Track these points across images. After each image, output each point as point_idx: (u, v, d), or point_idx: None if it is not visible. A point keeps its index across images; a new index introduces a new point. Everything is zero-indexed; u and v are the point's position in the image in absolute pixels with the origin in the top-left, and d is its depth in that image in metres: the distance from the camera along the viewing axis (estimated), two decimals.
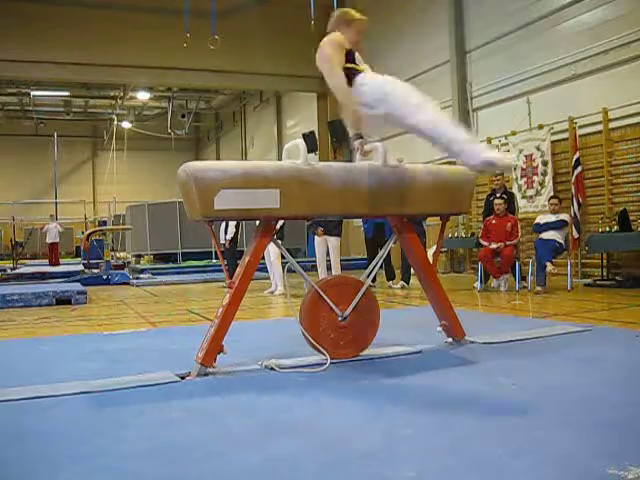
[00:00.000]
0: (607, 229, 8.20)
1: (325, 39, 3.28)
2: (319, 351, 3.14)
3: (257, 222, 3.23)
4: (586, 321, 4.65)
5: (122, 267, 13.37)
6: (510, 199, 8.11)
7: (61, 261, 17.69)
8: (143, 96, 23.78)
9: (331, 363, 3.04)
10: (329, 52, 3.21)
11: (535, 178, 9.82)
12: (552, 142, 9.57)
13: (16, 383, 2.86)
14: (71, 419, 2.33)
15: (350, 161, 3.37)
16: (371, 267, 3.46)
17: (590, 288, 7.89)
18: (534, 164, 9.82)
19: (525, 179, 10.01)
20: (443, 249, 11.24)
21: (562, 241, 7.54)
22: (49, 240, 17.16)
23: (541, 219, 7.94)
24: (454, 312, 3.52)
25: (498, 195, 8.09)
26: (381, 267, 7.72)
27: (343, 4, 15.09)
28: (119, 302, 7.95)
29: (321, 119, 17.04)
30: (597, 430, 2.00)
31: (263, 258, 7.91)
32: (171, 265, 14.76)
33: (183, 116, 25.15)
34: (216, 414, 2.34)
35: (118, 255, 15.78)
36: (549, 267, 7.21)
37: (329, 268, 8.29)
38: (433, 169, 3.43)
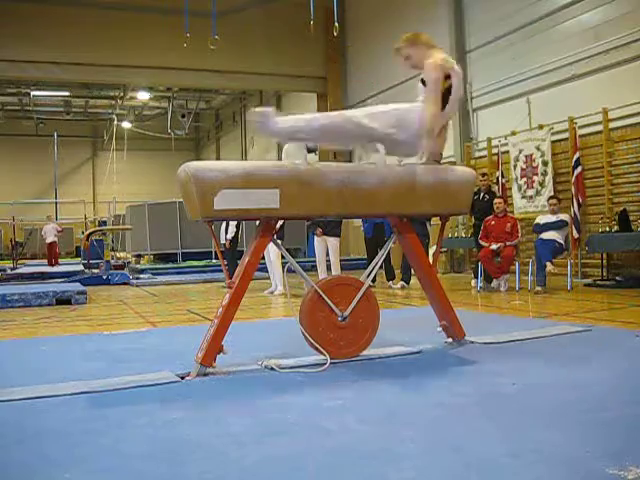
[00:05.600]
0: (607, 229, 8.20)
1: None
2: (319, 351, 3.14)
3: (257, 222, 3.23)
4: (586, 321, 4.65)
5: (122, 267, 13.37)
6: (491, 198, 8.23)
7: (61, 261, 17.67)
8: (143, 96, 23.79)
9: (331, 363, 3.05)
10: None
11: (535, 178, 9.82)
12: (552, 142, 9.57)
13: (16, 383, 2.86)
14: (71, 419, 2.33)
15: (350, 161, 3.37)
16: (371, 267, 3.46)
17: (590, 288, 7.89)
18: (534, 164, 9.82)
19: (525, 179, 10.02)
20: (443, 249, 11.24)
21: (562, 241, 7.54)
22: (47, 240, 17.14)
23: (541, 219, 7.94)
24: (454, 312, 3.52)
25: (481, 194, 8.34)
26: (381, 267, 7.72)
27: (343, 5, 15.14)
28: (119, 302, 7.95)
29: None
30: (597, 430, 2.00)
31: (263, 258, 7.91)
32: (171, 265, 14.75)
33: (183, 116, 25.15)
34: (216, 414, 2.34)
35: (118, 255, 15.78)
36: (549, 267, 7.21)
37: (329, 268, 8.29)
38: (432, 169, 3.43)
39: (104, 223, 17.99)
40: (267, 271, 8.57)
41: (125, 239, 18.08)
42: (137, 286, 10.78)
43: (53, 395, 2.64)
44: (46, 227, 17.37)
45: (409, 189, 3.26)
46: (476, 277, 8.31)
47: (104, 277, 11.25)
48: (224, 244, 9.27)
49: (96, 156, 30.23)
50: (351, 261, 12.80)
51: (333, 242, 8.27)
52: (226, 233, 9.35)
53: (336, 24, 9.80)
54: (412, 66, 3.43)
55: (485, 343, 3.54)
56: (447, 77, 3.29)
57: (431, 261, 3.61)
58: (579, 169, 8.90)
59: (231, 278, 3.09)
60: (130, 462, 1.85)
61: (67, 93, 23.73)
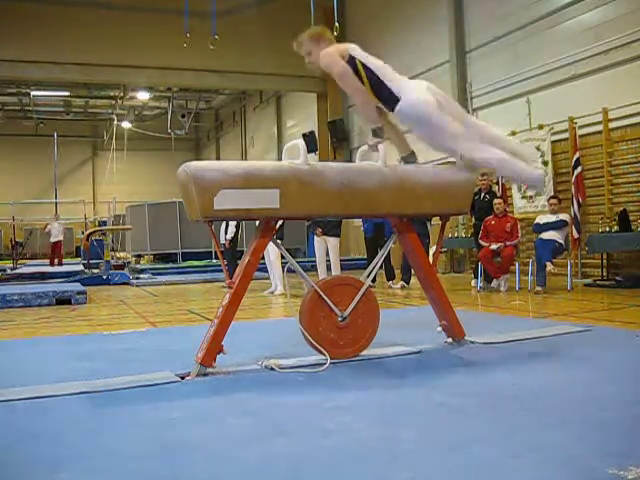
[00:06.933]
0: (607, 229, 8.20)
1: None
2: (319, 351, 3.13)
3: (257, 222, 3.23)
4: (586, 321, 4.65)
5: (122, 267, 13.37)
6: (492, 198, 8.26)
7: (63, 261, 17.56)
8: (143, 96, 23.78)
9: (331, 363, 3.04)
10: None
11: None
12: (552, 142, 9.57)
13: (16, 383, 2.86)
14: (71, 419, 2.33)
15: (350, 161, 3.37)
16: (371, 267, 3.45)
17: (590, 288, 7.89)
18: None
19: None
20: (443, 249, 11.24)
21: (562, 241, 7.54)
22: (53, 239, 16.96)
23: (541, 219, 7.94)
24: (454, 312, 3.52)
25: (482, 194, 8.37)
26: (381, 267, 7.72)
27: (343, 6, 15.14)
28: (119, 302, 7.95)
29: (321, 119, 17.04)
30: (597, 430, 2.00)
31: (263, 258, 7.91)
32: (171, 265, 14.76)
33: (183, 116, 25.13)
34: (216, 414, 2.34)
35: (118, 255, 15.77)
36: (549, 267, 7.21)
37: (329, 268, 8.29)
38: (433, 169, 3.44)
39: (104, 223, 17.97)
40: (267, 271, 8.58)
41: (125, 239, 18.08)
42: (137, 286, 10.78)
43: (52, 395, 2.63)
44: (52, 225, 17.14)
45: (409, 189, 3.26)
46: (476, 277, 8.31)
47: (104, 277, 11.25)
48: (224, 244, 9.27)
49: (96, 156, 30.23)
50: (351, 261, 12.80)
51: (333, 242, 8.27)
52: (226, 233, 9.35)
53: (336, 24, 9.80)
54: (312, 62, 3.38)
55: (485, 343, 3.54)
56: (351, 61, 3.26)
57: (431, 261, 3.61)
58: (579, 169, 8.90)
59: (231, 278, 3.09)
60: (130, 462, 1.85)
61: (67, 93, 23.72)
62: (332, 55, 3.26)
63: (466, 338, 3.52)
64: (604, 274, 8.40)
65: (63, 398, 2.61)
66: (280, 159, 3.24)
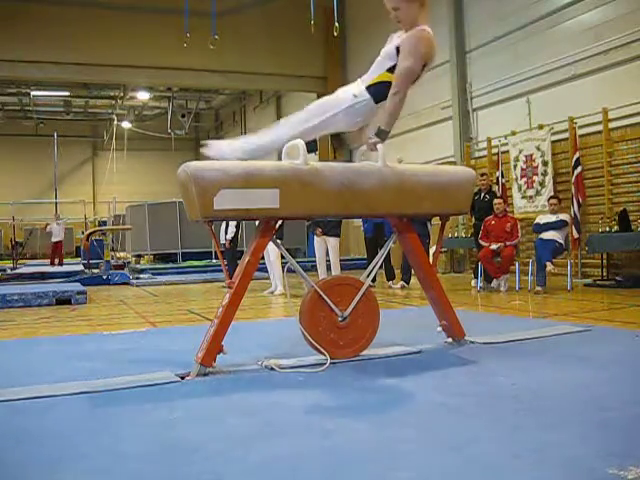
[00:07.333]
0: (607, 229, 8.21)
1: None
2: (319, 351, 3.13)
3: (257, 222, 3.23)
4: (586, 321, 4.65)
5: (122, 267, 13.37)
6: (492, 198, 8.29)
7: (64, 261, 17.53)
8: (143, 96, 23.79)
9: (331, 363, 3.04)
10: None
11: (535, 178, 9.82)
12: (552, 142, 9.58)
13: (16, 383, 2.86)
14: (71, 419, 2.33)
15: (350, 161, 3.37)
16: (371, 267, 3.45)
17: (590, 288, 7.90)
18: (534, 164, 9.82)
19: (525, 179, 10.02)
20: (443, 249, 11.24)
21: (562, 241, 7.55)
22: (54, 239, 16.94)
23: (541, 219, 7.94)
24: (454, 312, 3.52)
25: (482, 194, 8.41)
26: (381, 267, 7.73)
27: (344, 5, 15.14)
28: (119, 302, 7.95)
29: None
30: (597, 430, 2.00)
31: (263, 258, 7.91)
32: (171, 265, 14.76)
33: (183, 116, 25.15)
34: (216, 414, 2.34)
35: (118, 255, 15.77)
36: (549, 267, 7.21)
37: (329, 268, 8.29)
38: (432, 169, 3.44)
39: (104, 223, 17.98)
40: (267, 271, 8.58)
41: (125, 239, 18.07)
42: (137, 286, 10.78)
43: (52, 395, 2.63)
44: (53, 225, 17.10)
45: (409, 189, 3.26)
46: (476, 277, 8.32)
47: (104, 277, 11.25)
48: (224, 244, 9.27)
49: (96, 156, 30.23)
50: (351, 261, 12.80)
51: (333, 242, 8.27)
52: (226, 233, 9.35)
53: (336, 24, 9.81)
54: (396, 19, 3.29)
55: (485, 343, 3.54)
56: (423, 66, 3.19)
57: (431, 261, 3.61)
58: (579, 169, 8.90)
59: (231, 278, 3.09)
60: (130, 462, 1.85)
61: (67, 93, 23.73)
62: (424, 51, 3.20)
63: (466, 338, 3.52)
64: (604, 274, 8.40)
65: (63, 398, 2.60)
66: (280, 159, 3.24)
